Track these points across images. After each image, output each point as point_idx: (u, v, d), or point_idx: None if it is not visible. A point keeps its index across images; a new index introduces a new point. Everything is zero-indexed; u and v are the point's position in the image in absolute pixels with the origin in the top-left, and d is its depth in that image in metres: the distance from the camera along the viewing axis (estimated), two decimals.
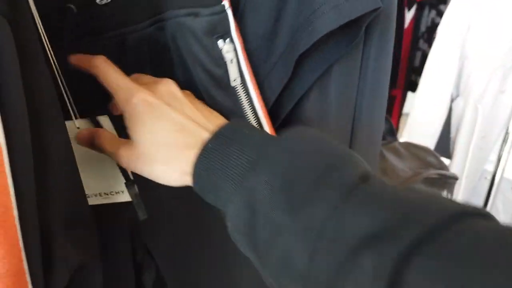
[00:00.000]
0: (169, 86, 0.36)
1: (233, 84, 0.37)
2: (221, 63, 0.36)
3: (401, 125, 1.49)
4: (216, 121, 0.36)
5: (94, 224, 0.35)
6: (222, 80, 0.37)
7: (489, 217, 0.26)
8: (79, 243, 0.32)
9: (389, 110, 1.35)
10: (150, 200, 0.39)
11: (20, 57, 0.23)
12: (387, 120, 0.93)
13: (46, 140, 0.28)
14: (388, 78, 0.44)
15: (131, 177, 0.38)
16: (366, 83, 0.43)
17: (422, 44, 1.39)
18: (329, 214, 0.27)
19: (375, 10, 0.35)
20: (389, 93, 1.23)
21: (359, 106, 0.44)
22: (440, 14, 1.32)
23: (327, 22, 0.35)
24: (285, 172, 0.30)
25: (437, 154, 0.91)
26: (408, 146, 0.92)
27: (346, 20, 0.34)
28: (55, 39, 0.33)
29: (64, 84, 0.34)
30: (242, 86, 0.38)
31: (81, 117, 0.37)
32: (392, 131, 0.96)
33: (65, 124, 0.32)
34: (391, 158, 0.83)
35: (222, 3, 0.35)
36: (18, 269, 0.25)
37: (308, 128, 0.37)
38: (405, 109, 1.45)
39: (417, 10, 1.35)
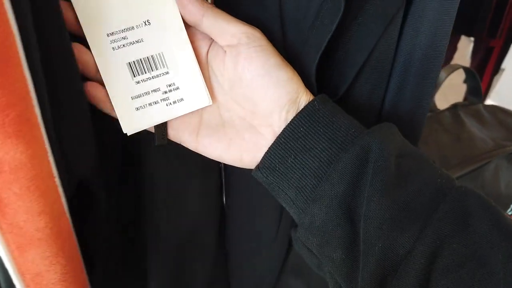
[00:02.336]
0: None
1: None
2: None
3: (495, 83, 1.20)
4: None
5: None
6: None
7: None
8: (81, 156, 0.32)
9: (483, 64, 1.12)
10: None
11: None
12: (472, 75, 0.78)
13: None
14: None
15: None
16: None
17: None
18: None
19: None
20: (487, 43, 1.08)
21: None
22: None
23: None
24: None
25: None
26: (496, 110, 0.73)
27: None
28: None
29: None
30: None
31: None
32: (476, 90, 0.76)
33: None
34: (471, 123, 0.67)
35: None
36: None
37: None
38: (504, 64, 1.17)
39: None
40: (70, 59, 0.28)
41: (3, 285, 0.28)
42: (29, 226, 0.25)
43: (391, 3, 0.32)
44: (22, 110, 0.23)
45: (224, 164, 0.44)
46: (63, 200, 0.28)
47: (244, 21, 0.32)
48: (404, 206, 0.29)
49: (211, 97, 0.34)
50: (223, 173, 0.47)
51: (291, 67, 0.33)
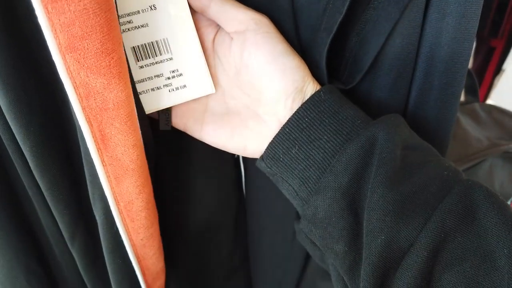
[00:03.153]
0: None
1: None
2: None
3: (496, 84, 1.16)
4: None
5: None
6: None
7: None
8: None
9: (485, 65, 1.09)
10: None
11: None
12: (468, 74, 0.76)
13: None
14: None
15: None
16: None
17: None
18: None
19: None
20: (488, 42, 1.04)
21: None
22: None
23: None
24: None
25: None
26: (491, 109, 0.73)
27: None
28: None
29: None
30: None
31: None
32: (473, 89, 0.76)
33: None
34: (466, 122, 0.66)
35: None
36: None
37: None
38: (505, 65, 1.10)
39: None
40: None
41: (101, 214, 0.32)
42: (125, 158, 0.30)
43: None
44: (120, 54, 0.27)
45: (243, 157, 0.45)
46: (142, 140, 0.33)
47: (255, 8, 0.32)
48: (408, 199, 0.29)
49: (216, 84, 0.35)
50: (241, 166, 0.47)
51: (299, 56, 0.33)
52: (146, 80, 0.33)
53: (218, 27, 0.34)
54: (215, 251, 0.50)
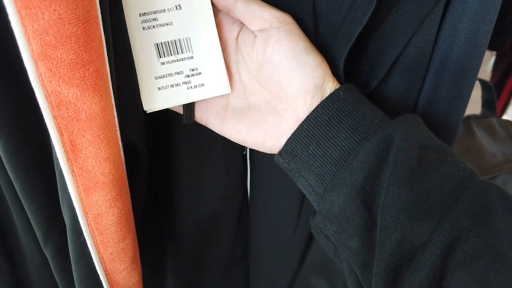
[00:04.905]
0: None
1: None
2: None
3: None
4: None
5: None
6: None
7: None
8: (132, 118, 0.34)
9: (504, 79, 1.07)
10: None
11: None
12: (488, 88, 0.77)
13: None
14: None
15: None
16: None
17: None
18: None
19: None
20: (509, 57, 1.00)
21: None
22: None
23: None
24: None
25: None
26: (508, 125, 0.73)
27: None
28: None
29: None
30: None
31: None
32: (491, 103, 0.75)
33: None
34: (482, 136, 0.66)
35: None
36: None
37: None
38: None
39: None
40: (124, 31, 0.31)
41: (69, 223, 0.32)
42: (96, 171, 0.29)
43: (426, 0, 0.32)
44: (98, 66, 0.26)
45: (250, 154, 0.46)
46: (122, 153, 0.32)
47: (278, 8, 0.33)
48: (423, 197, 0.29)
49: (238, 80, 0.36)
50: (248, 163, 0.48)
51: (320, 54, 0.33)
52: (166, 77, 0.34)
53: (242, 25, 0.35)
54: (216, 244, 0.51)
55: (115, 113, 0.29)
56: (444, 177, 0.30)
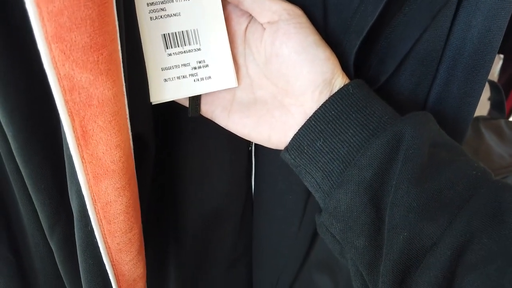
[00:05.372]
0: None
1: None
2: None
3: None
4: None
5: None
6: None
7: None
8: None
9: (511, 82, 1.04)
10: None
11: None
12: (497, 89, 0.76)
13: None
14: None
15: None
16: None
17: None
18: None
19: None
20: None
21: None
22: None
23: None
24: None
25: None
26: None
27: None
28: None
29: None
30: None
31: None
32: (500, 104, 0.75)
33: None
34: (490, 137, 0.66)
35: None
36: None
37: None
38: None
39: None
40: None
41: (77, 211, 0.31)
42: (106, 158, 0.29)
43: None
44: (112, 51, 0.26)
45: (255, 149, 0.46)
46: (131, 141, 0.32)
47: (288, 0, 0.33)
48: (433, 196, 0.29)
49: (245, 74, 0.35)
50: (253, 158, 0.48)
51: (330, 48, 0.33)
52: (173, 68, 0.34)
53: (251, 17, 0.34)
54: (220, 240, 0.51)
55: (125, 101, 0.29)
56: (456, 176, 0.30)
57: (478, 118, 0.75)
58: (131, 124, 0.31)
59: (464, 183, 0.29)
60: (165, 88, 0.34)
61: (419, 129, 0.30)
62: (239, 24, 0.35)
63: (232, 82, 0.35)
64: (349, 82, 0.32)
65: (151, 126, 0.36)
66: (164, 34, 0.33)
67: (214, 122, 0.37)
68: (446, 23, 0.34)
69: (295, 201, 0.47)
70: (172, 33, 0.33)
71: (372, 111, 0.31)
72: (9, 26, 0.26)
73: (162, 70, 0.34)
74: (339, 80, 0.33)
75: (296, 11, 0.32)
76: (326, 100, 0.32)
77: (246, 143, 0.46)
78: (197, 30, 0.34)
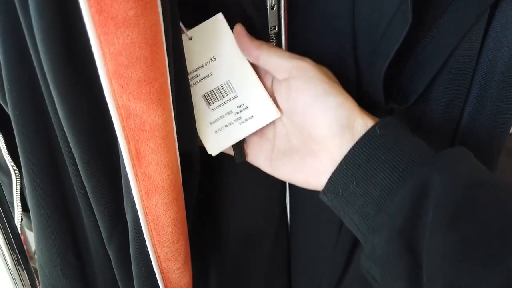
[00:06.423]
0: None
1: (270, 32, 0.37)
2: (262, 8, 0.35)
3: None
4: None
5: None
6: (260, 26, 0.36)
7: None
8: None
9: None
10: None
11: None
12: None
13: None
14: None
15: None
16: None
17: None
18: None
19: None
20: None
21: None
22: None
23: None
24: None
25: None
26: None
27: None
28: None
29: None
30: (276, 36, 0.37)
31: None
32: None
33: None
34: None
35: None
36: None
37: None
38: None
39: None
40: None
41: (131, 223, 0.35)
42: (157, 176, 0.32)
43: (467, 17, 0.33)
44: (162, 83, 0.29)
45: None
46: (178, 161, 0.35)
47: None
48: (470, 242, 0.27)
49: (281, 124, 0.38)
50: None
51: (343, 94, 0.34)
52: (219, 120, 0.39)
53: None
54: (256, 257, 0.53)
55: (174, 125, 0.33)
56: (496, 217, 0.28)
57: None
58: (178, 145, 0.35)
59: (507, 224, 0.28)
60: (218, 139, 0.39)
61: (451, 170, 0.29)
62: (267, 79, 0.38)
63: (274, 113, 0.38)
64: (376, 123, 0.32)
65: (196, 146, 0.40)
66: (204, 95, 0.38)
67: None
68: (476, 43, 0.34)
69: (331, 216, 0.46)
70: (210, 91, 0.38)
71: (401, 152, 0.31)
72: (77, 65, 0.30)
73: (211, 124, 0.38)
74: (360, 122, 0.33)
75: (305, 66, 0.34)
76: (355, 144, 0.32)
77: None
78: (229, 81, 0.38)
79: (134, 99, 0.29)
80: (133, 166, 0.31)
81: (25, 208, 0.51)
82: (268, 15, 0.36)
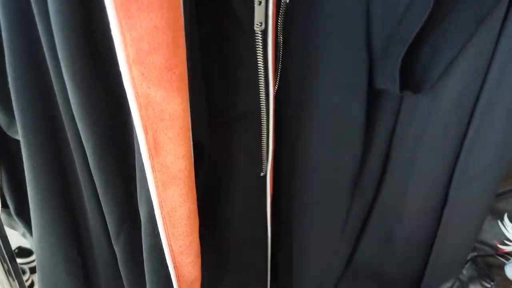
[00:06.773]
0: None
1: (256, 28, 0.35)
2: (249, 4, 0.33)
3: None
4: None
5: None
6: (246, 22, 0.34)
7: None
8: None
9: None
10: None
11: None
12: None
13: None
14: None
15: None
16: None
17: None
18: None
19: None
20: None
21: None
22: None
23: None
24: None
25: None
26: None
27: None
28: None
29: None
30: (262, 33, 0.35)
31: None
32: None
33: None
34: None
35: None
36: None
37: None
38: None
39: None
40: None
41: (145, 216, 0.34)
42: (174, 167, 0.31)
43: (485, 3, 0.32)
44: (182, 71, 0.28)
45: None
46: (192, 153, 0.34)
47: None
48: None
49: None
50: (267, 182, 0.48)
51: None
52: None
53: None
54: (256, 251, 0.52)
55: (189, 115, 0.32)
56: None
57: None
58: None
59: None
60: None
61: None
62: None
63: None
64: None
65: (207, 137, 0.39)
66: None
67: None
68: (494, 29, 0.34)
69: (336, 204, 0.47)
70: None
71: None
72: (95, 51, 0.29)
73: None
74: None
75: None
76: None
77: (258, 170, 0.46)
78: None
79: (155, 86, 0.27)
80: (150, 156, 0.30)
81: (4, 205, 0.48)
82: (255, 11, 0.33)
